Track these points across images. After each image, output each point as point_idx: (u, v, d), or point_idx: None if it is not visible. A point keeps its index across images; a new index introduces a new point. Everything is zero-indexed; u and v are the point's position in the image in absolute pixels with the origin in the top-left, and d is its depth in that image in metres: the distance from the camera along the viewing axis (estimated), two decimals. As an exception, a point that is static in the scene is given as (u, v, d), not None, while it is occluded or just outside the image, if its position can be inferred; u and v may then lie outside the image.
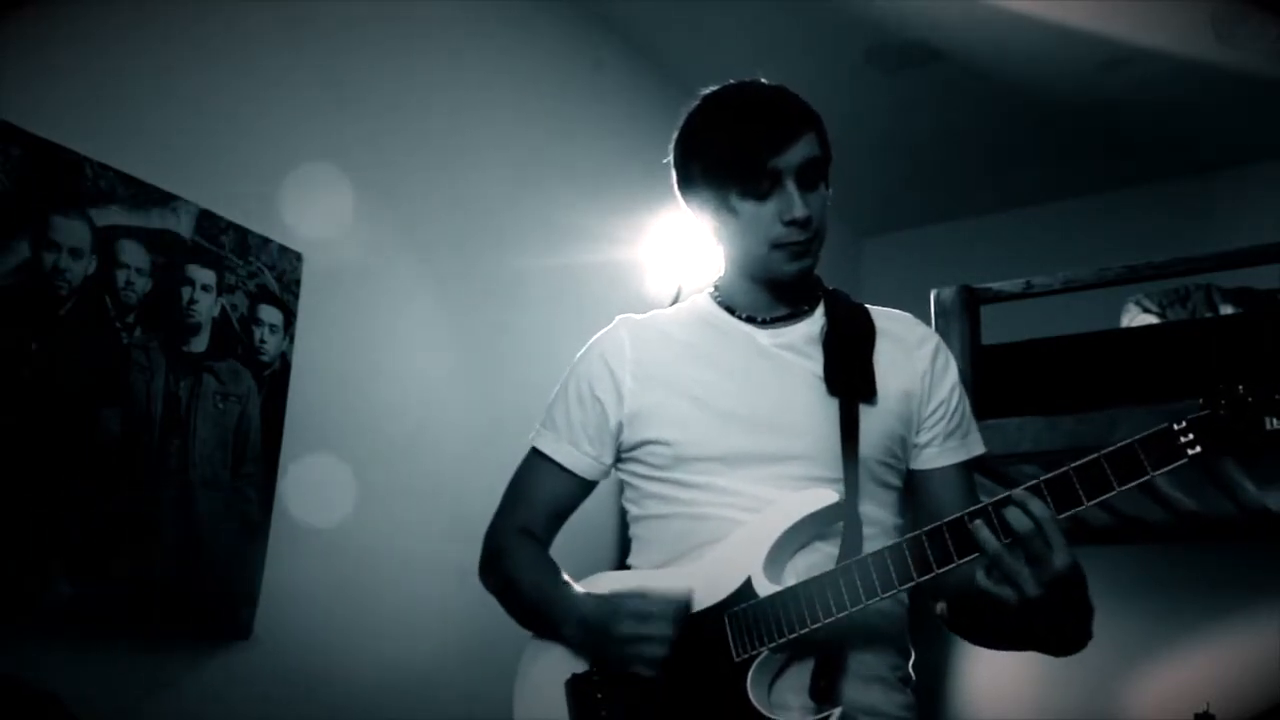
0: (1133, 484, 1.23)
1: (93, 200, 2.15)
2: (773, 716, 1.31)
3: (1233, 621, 3.85)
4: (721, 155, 1.49)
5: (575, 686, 1.44)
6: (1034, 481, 1.25)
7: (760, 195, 1.47)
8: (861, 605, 1.30)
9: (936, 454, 1.53)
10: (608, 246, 3.53)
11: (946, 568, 1.28)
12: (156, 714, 2.18)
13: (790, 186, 1.46)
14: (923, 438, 1.53)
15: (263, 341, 2.45)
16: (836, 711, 1.32)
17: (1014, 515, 1.23)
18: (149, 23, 2.34)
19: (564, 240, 3.39)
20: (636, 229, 3.63)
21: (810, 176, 1.48)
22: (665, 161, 1.61)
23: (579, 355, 1.63)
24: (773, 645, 1.33)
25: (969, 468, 1.56)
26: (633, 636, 1.36)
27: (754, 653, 1.34)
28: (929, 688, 4.20)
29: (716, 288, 1.62)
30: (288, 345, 2.51)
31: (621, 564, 1.63)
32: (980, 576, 1.26)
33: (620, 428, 1.55)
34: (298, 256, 2.56)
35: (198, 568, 2.24)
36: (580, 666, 1.45)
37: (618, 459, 1.59)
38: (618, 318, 1.63)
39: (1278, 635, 3.71)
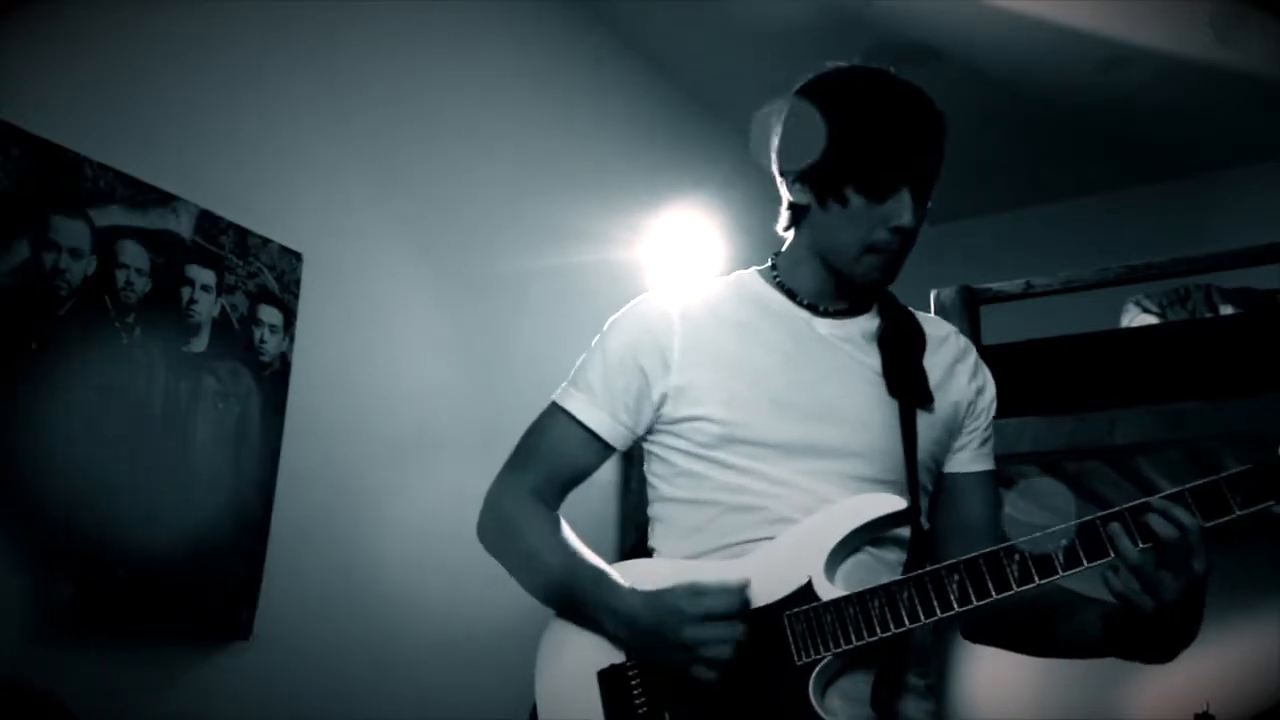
0: (1218, 521, 1.21)
1: (93, 200, 2.15)
2: None
3: (1233, 621, 3.85)
4: (854, 148, 1.41)
5: (610, 679, 1.37)
6: (1176, 489, 1.23)
7: (879, 195, 1.40)
8: (937, 618, 1.26)
9: (970, 459, 1.53)
10: (608, 247, 3.53)
11: (1070, 572, 1.23)
12: (156, 714, 2.18)
13: (906, 194, 1.41)
14: (959, 442, 1.52)
15: (263, 341, 2.45)
16: None
17: (1158, 522, 1.20)
18: (149, 23, 2.34)
19: (564, 240, 3.39)
20: (636, 229, 3.63)
21: (926, 191, 1.45)
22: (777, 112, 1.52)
23: (617, 318, 1.53)
24: (838, 651, 1.28)
25: (994, 475, 1.56)
26: (696, 640, 1.27)
27: (818, 657, 1.29)
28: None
29: (775, 267, 1.54)
30: (288, 345, 2.51)
31: (633, 547, 1.56)
32: (1113, 581, 1.23)
33: (664, 399, 1.45)
34: (298, 256, 2.56)
35: (198, 568, 2.24)
36: (614, 656, 1.37)
37: (651, 431, 1.50)
38: (660, 287, 1.55)
39: (1278, 635, 3.71)
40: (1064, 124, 4.24)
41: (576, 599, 1.42)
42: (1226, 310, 3.26)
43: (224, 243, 2.40)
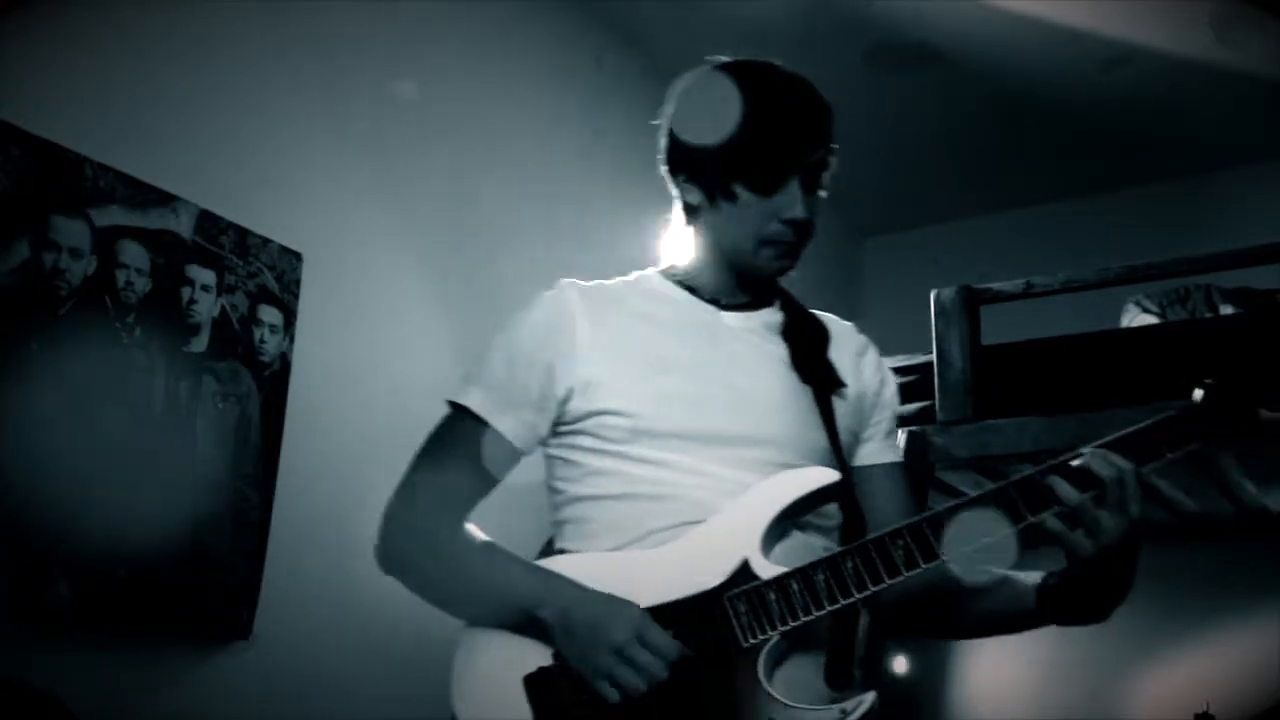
0: (1149, 467, 1.27)
1: (93, 200, 2.15)
2: (793, 704, 1.23)
3: (1233, 621, 3.85)
4: (736, 142, 1.41)
5: (538, 683, 1.29)
6: (1108, 439, 1.29)
7: (766, 189, 1.41)
8: (886, 584, 1.25)
9: (878, 450, 1.54)
10: (608, 247, 3.53)
11: (1018, 525, 1.26)
12: (156, 714, 2.18)
13: (795, 186, 1.42)
14: (866, 433, 1.53)
15: (263, 341, 2.45)
16: (870, 696, 1.25)
17: (1099, 464, 1.25)
18: (149, 23, 2.34)
19: (564, 240, 3.39)
20: (636, 229, 3.63)
21: (816, 179, 1.46)
22: (654, 124, 1.53)
23: (519, 315, 1.49)
24: (785, 629, 1.26)
25: (901, 467, 1.57)
26: (626, 650, 1.23)
27: (764, 637, 1.26)
28: (929, 687, 4.20)
29: (673, 268, 1.55)
30: (288, 345, 2.51)
31: (541, 554, 1.47)
32: (1052, 523, 1.26)
33: (569, 394, 1.41)
34: (298, 256, 2.56)
35: (198, 568, 2.24)
36: (540, 660, 1.30)
37: (555, 433, 1.44)
38: (562, 281, 1.51)
39: (1278, 635, 3.71)
40: (1064, 124, 4.24)
41: (506, 595, 1.35)
42: (1226, 310, 3.26)
43: (224, 243, 2.40)
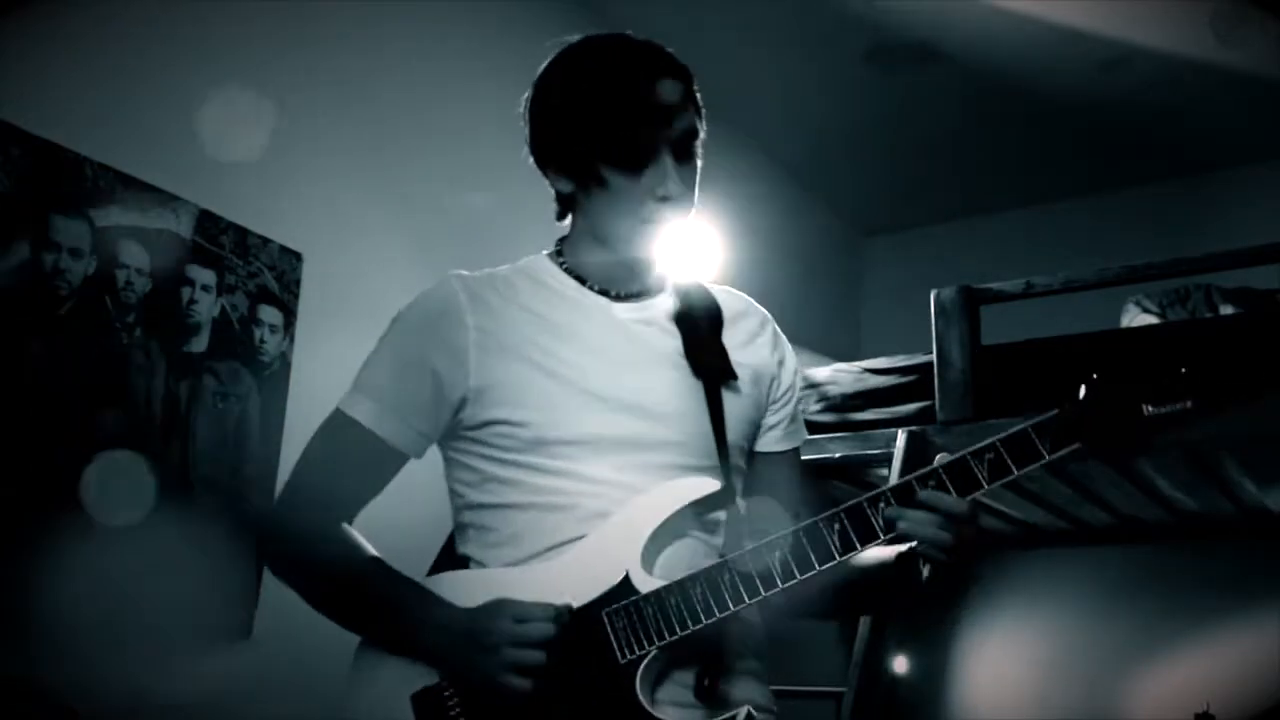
0: (1030, 468, 1.25)
1: (93, 200, 2.15)
2: (664, 717, 1.21)
3: (1233, 621, 3.85)
4: (594, 121, 1.34)
5: (424, 701, 1.27)
6: (933, 466, 1.27)
7: (634, 167, 1.33)
8: (762, 597, 1.22)
9: (780, 438, 1.47)
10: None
11: (850, 554, 1.23)
12: (157, 714, 2.17)
13: (667, 159, 1.33)
14: (769, 420, 1.46)
15: (263, 341, 2.45)
16: (744, 710, 1.24)
17: (906, 522, 1.22)
18: (149, 23, 2.34)
19: (564, 240, 3.39)
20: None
21: (687, 149, 1.37)
22: (519, 114, 1.46)
23: (403, 313, 1.43)
24: (663, 644, 1.22)
25: (799, 453, 1.52)
26: (507, 641, 1.20)
27: (642, 653, 1.22)
28: (929, 687, 4.20)
29: (561, 253, 1.46)
30: (288, 345, 2.51)
31: (441, 556, 1.47)
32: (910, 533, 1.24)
33: (463, 403, 1.34)
34: (298, 256, 2.56)
35: (199, 567, 2.24)
36: (428, 678, 1.28)
37: (449, 436, 1.38)
38: (448, 275, 1.44)
39: (1278, 635, 3.71)
40: (1064, 124, 4.24)
41: (384, 615, 1.33)
42: (1226, 310, 3.26)
43: (224, 243, 2.40)
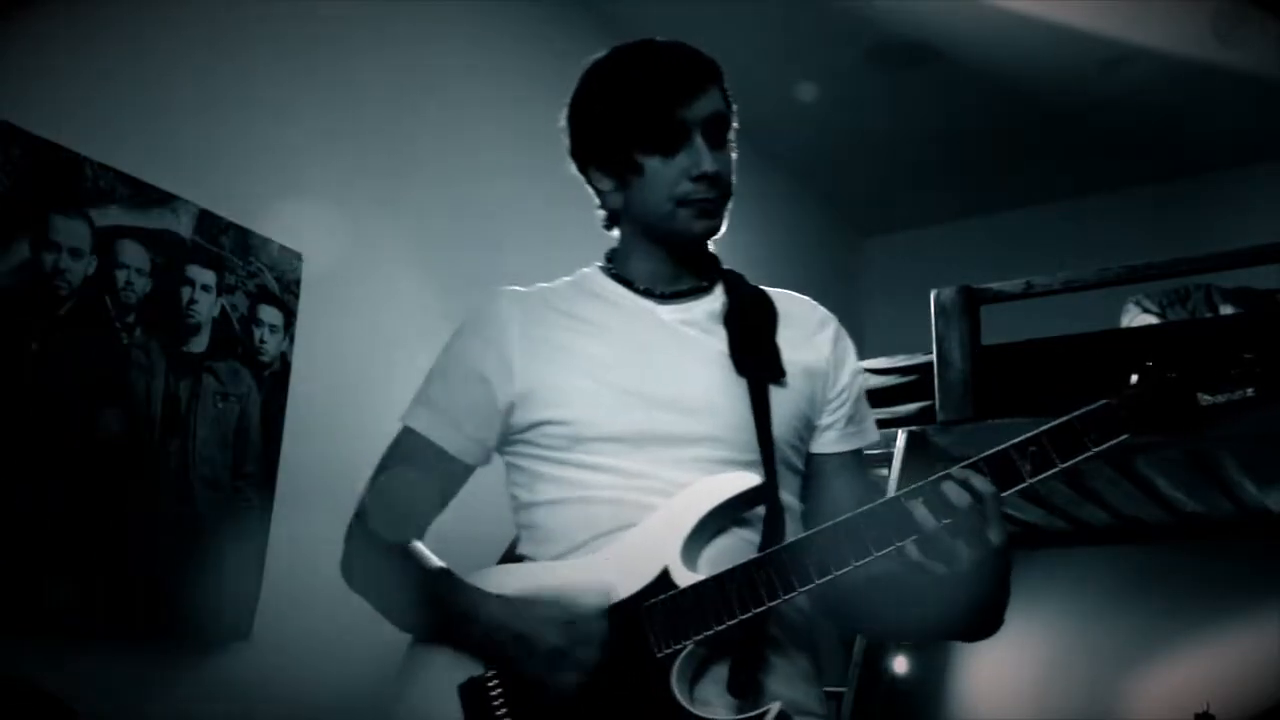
0: (1076, 460, 1.21)
1: (93, 200, 2.15)
2: (703, 715, 1.22)
3: (1233, 621, 3.85)
4: (626, 109, 1.41)
5: (471, 692, 1.31)
6: (974, 459, 1.23)
7: (667, 149, 1.40)
8: (795, 593, 1.23)
9: (837, 439, 1.47)
10: (607, 245, 3.53)
11: (882, 552, 1.22)
12: (156, 714, 2.18)
13: (699, 141, 1.40)
14: (824, 420, 1.47)
15: (263, 341, 2.45)
16: (775, 707, 1.22)
17: (953, 491, 1.20)
18: (149, 23, 2.34)
19: (564, 240, 3.38)
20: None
21: (717, 133, 1.43)
22: (560, 127, 1.53)
23: (458, 328, 1.51)
24: (698, 639, 1.24)
25: (862, 455, 1.51)
26: (555, 642, 1.24)
27: (678, 647, 1.24)
28: (929, 688, 4.20)
29: (609, 261, 1.54)
30: (288, 345, 2.51)
31: (504, 559, 1.51)
32: (913, 552, 1.21)
33: (510, 408, 1.41)
34: (298, 256, 2.56)
35: (198, 568, 2.24)
36: (474, 670, 1.32)
37: (504, 441, 1.45)
38: (499, 290, 1.52)
39: (1278, 635, 3.71)
40: (1064, 124, 4.24)
41: (439, 615, 1.38)
42: (1226, 310, 3.26)
43: (224, 243, 2.40)
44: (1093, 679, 3.94)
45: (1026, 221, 4.76)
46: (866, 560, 1.22)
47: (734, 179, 1.46)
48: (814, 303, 1.55)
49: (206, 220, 2.36)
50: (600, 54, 1.51)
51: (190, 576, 2.23)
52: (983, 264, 4.08)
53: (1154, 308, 3.38)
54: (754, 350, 1.42)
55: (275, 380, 2.47)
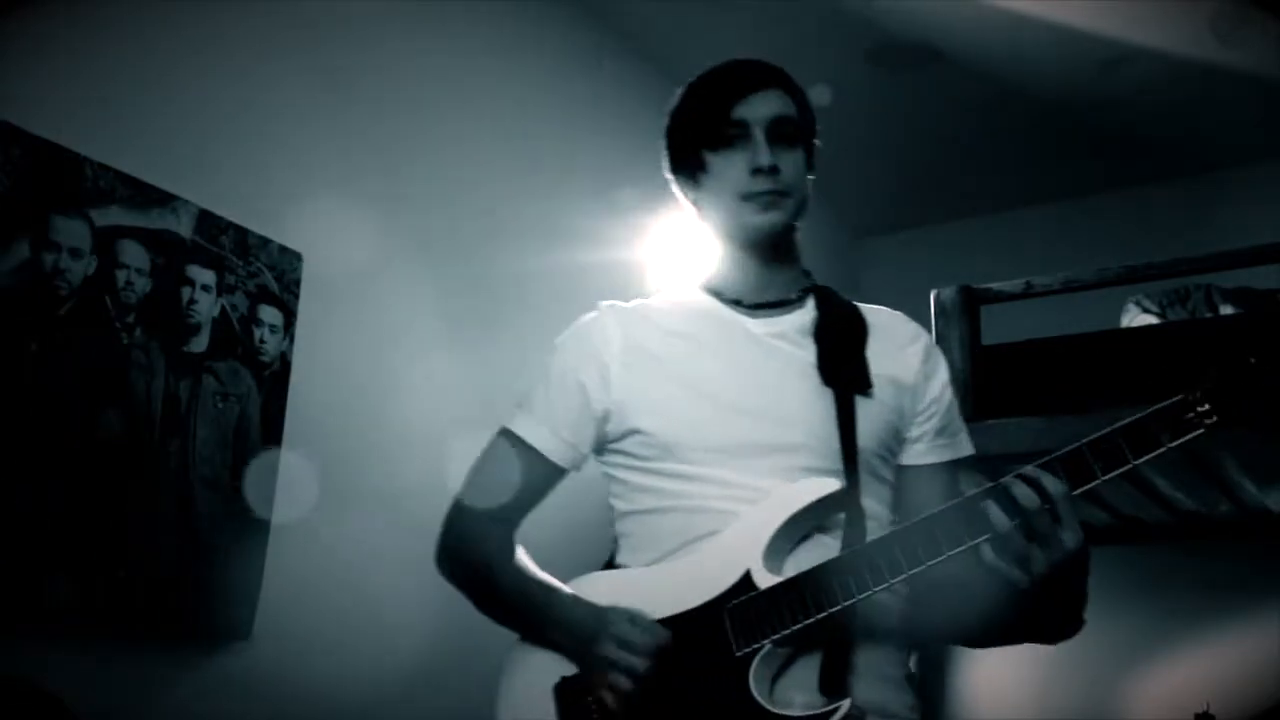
0: (1149, 456, 1.21)
1: (93, 200, 2.15)
2: (777, 711, 1.27)
3: (1233, 621, 3.85)
4: (690, 112, 1.52)
5: (564, 690, 1.39)
6: (1047, 458, 1.23)
7: (727, 144, 1.48)
8: (868, 593, 1.27)
9: (925, 450, 1.51)
10: (608, 246, 3.53)
11: (956, 550, 1.24)
12: (156, 714, 2.18)
13: (759, 136, 1.46)
14: (913, 433, 1.51)
15: (262, 341, 2.45)
16: (845, 703, 1.26)
17: (1022, 491, 1.21)
18: (149, 23, 2.34)
19: (564, 240, 3.39)
20: (636, 229, 3.63)
21: (782, 134, 1.49)
22: (654, 122, 1.61)
23: (561, 338, 1.58)
24: (775, 638, 1.29)
25: (956, 467, 1.54)
26: (611, 659, 1.31)
27: (756, 646, 1.30)
28: (929, 688, 4.20)
29: (704, 279, 1.60)
30: (287, 345, 2.51)
31: (610, 563, 1.57)
32: (988, 554, 1.23)
33: (606, 416, 1.49)
34: (298, 257, 2.56)
35: (198, 568, 2.24)
36: (570, 670, 1.40)
37: (600, 450, 1.53)
38: (602, 303, 1.59)
39: (1278, 635, 3.71)
40: (1064, 124, 4.24)
41: (529, 615, 1.45)
42: (1226, 310, 3.26)
43: (224, 242, 2.40)
44: (1093, 679, 3.93)
45: (1026, 221, 4.76)
46: (938, 560, 1.24)
47: (807, 180, 1.52)
48: (905, 318, 1.61)
49: (206, 220, 2.36)
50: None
51: (190, 576, 2.23)
52: (983, 264, 4.07)
53: (1154, 308, 3.38)
54: (841, 362, 1.47)
55: (275, 380, 2.47)
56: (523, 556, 1.52)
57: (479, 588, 1.53)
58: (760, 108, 1.47)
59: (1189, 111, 4.08)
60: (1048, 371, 2.99)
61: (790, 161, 1.48)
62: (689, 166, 1.53)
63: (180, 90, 2.38)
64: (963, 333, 3.09)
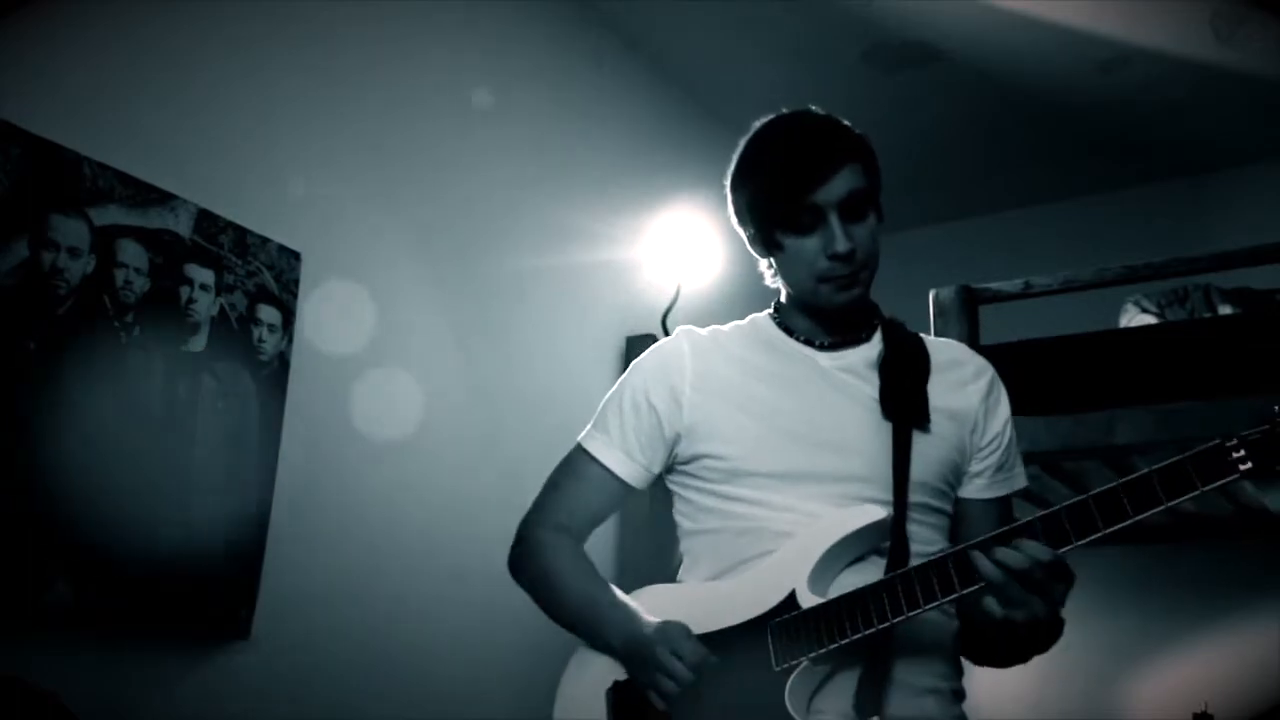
0: (1182, 499, 1.21)
1: (92, 200, 2.15)
2: None
3: (1232, 621, 3.85)
4: (763, 193, 1.52)
5: (617, 694, 1.47)
6: (1028, 519, 1.28)
7: (803, 230, 1.49)
8: (903, 617, 1.31)
9: (985, 485, 1.56)
10: (608, 246, 3.53)
11: (968, 589, 1.29)
12: (156, 714, 2.18)
13: (833, 220, 1.47)
14: (975, 467, 1.56)
15: (261, 341, 2.45)
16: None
17: (1009, 556, 1.26)
18: (149, 23, 2.35)
19: (564, 240, 3.39)
20: (636, 229, 3.63)
21: (855, 208, 1.50)
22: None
23: (636, 361, 1.64)
24: (813, 655, 1.35)
25: (1011, 499, 1.60)
26: (657, 670, 1.39)
27: (794, 663, 1.36)
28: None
29: (777, 310, 1.64)
30: (286, 345, 2.51)
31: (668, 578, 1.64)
32: (989, 602, 1.29)
33: (677, 439, 1.56)
34: (297, 256, 2.56)
35: (198, 568, 2.24)
36: (624, 676, 1.48)
37: (669, 470, 1.60)
38: (678, 329, 1.64)
39: (1278, 635, 3.71)
40: (1064, 124, 4.24)
41: (592, 623, 1.53)
42: (1225, 310, 3.26)
43: (223, 242, 2.40)
44: (1092, 679, 3.93)
45: (1026, 221, 4.76)
46: (972, 589, 1.29)
47: (876, 244, 1.54)
48: (972, 352, 1.65)
49: (205, 219, 2.36)
50: (756, 125, 1.59)
51: (190, 576, 2.23)
52: (982, 264, 4.08)
53: (1153, 308, 3.38)
54: (902, 396, 1.51)
55: (274, 380, 2.47)
56: (589, 564, 1.60)
57: (548, 595, 1.60)
58: (835, 190, 1.47)
59: (1188, 111, 4.08)
60: (1047, 371, 2.99)
61: (864, 234, 1.51)
62: (761, 238, 1.55)
63: (179, 90, 2.38)
64: (961, 333, 3.09)
